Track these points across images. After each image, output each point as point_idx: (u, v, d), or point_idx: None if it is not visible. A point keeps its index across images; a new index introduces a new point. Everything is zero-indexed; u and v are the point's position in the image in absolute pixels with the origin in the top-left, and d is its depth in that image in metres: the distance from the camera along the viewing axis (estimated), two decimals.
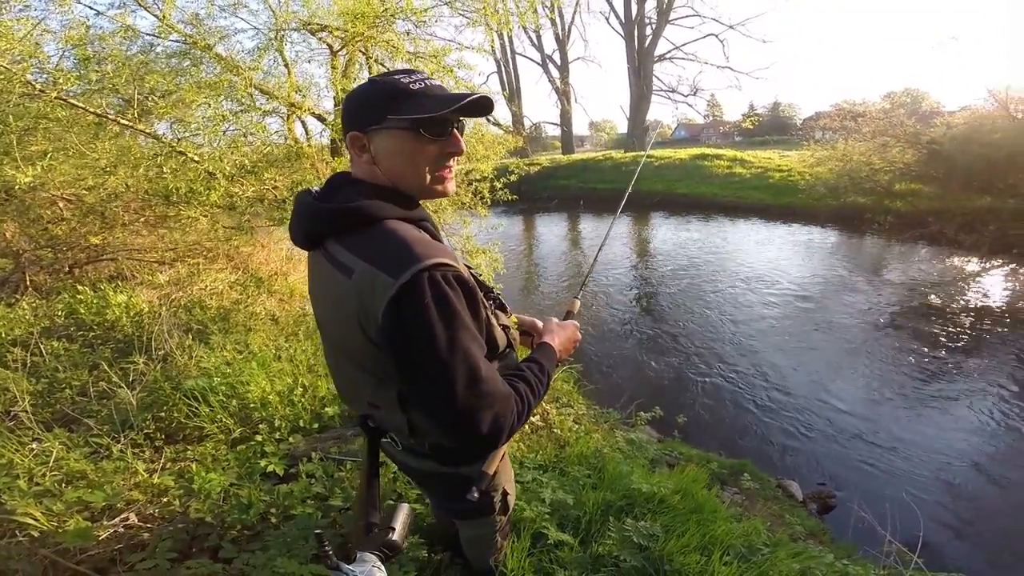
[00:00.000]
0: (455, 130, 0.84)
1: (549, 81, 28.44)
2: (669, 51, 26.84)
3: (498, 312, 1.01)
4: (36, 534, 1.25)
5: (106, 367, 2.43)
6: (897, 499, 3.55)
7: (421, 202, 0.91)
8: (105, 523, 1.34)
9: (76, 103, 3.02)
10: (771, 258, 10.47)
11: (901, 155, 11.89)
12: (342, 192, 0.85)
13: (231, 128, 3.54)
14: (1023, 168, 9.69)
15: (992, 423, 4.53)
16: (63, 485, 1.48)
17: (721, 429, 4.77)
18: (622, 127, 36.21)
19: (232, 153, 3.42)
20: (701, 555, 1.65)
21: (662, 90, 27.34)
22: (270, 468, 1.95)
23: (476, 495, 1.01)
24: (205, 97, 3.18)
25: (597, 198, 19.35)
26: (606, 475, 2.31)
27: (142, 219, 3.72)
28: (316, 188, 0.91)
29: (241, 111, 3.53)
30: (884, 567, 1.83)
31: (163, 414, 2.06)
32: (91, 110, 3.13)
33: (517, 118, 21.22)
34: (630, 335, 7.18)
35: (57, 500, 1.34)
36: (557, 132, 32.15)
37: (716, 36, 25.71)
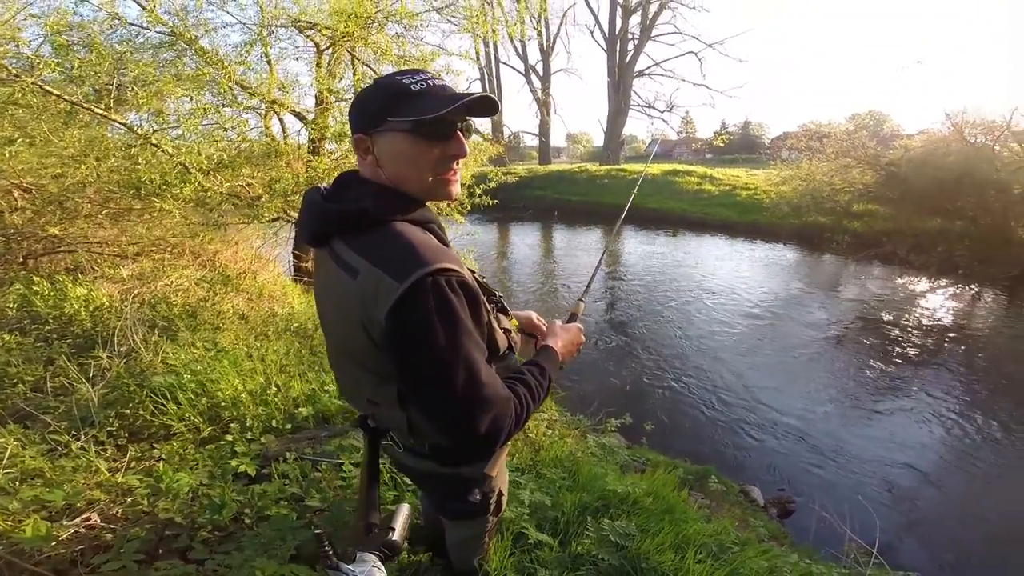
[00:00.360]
0: (460, 132, 0.84)
1: (531, 91, 28.74)
2: (649, 67, 27.44)
3: (499, 315, 1.02)
4: None
5: (64, 362, 2.29)
6: (852, 503, 3.71)
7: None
8: (65, 523, 1.26)
9: (51, 90, 2.87)
10: (734, 274, 10.86)
11: (861, 176, 12.53)
12: (350, 191, 0.85)
13: (209, 122, 3.44)
14: (971, 191, 10.29)
15: (932, 432, 4.85)
16: (18, 483, 1.39)
17: (685, 436, 4.90)
18: (598, 140, 36.99)
19: (209, 147, 3.32)
20: (675, 553, 1.69)
21: (639, 105, 27.90)
22: (241, 468, 1.89)
23: (478, 497, 1.03)
24: (185, 90, 3.08)
25: (571, 210, 19.68)
26: (580, 477, 2.34)
27: (105, 211, 3.53)
28: (325, 186, 0.91)
29: (222, 105, 3.44)
30: (845, 566, 1.93)
31: (127, 411, 1.96)
32: (66, 97, 2.98)
33: (497, 126, 21.41)
34: (598, 344, 7.30)
35: (12, 499, 1.26)
36: (535, 142, 32.46)
37: (695, 54, 26.27)
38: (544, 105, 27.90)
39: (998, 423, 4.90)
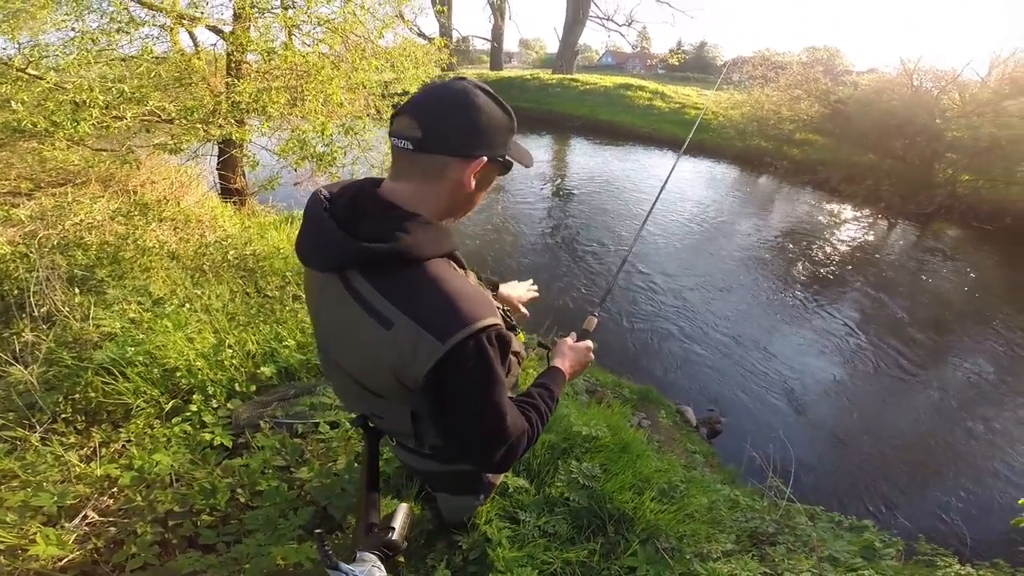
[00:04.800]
0: None
1: None
2: None
3: (510, 335, 1.02)
4: (3, 547, 1.15)
5: None
6: (769, 423, 4.26)
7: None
8: (67, 526, 1.25)
9: None
10: (676, 188, 11.17)
11: (808, 108, 13.01)
12: (378, 220, 0.74)
13: (100, 47, 2.75)
14: (908, 135, 10.99)
15: (835, 350, 5.55)
16: None
17: (625, 352, 5.28)
18: (551, 47, 34.59)
19: (105, 78, 2.70)
20: (634, 493, 1.94)
21: (598, 17, 26.45)
22: (216, 441, 1.87)
23: (480, 489, 1.14)
24: (65, 16, 2.41)
25: (521, 117, 18.74)
26: None
27: None
28: (327, 193, 0.79)
29: (116, 30, 2.75)
30: (766, 498, 2.31)
31: (77, 394, 1.81)
32: None
33: (445, 29, 19.22)
34: (545, 258, 7.50)
35: (3, 510, 1.22)
36: (486, 46, 29.94)
37: None
38: (498, 10, 25.37)
39: (893, 348, 5.68)
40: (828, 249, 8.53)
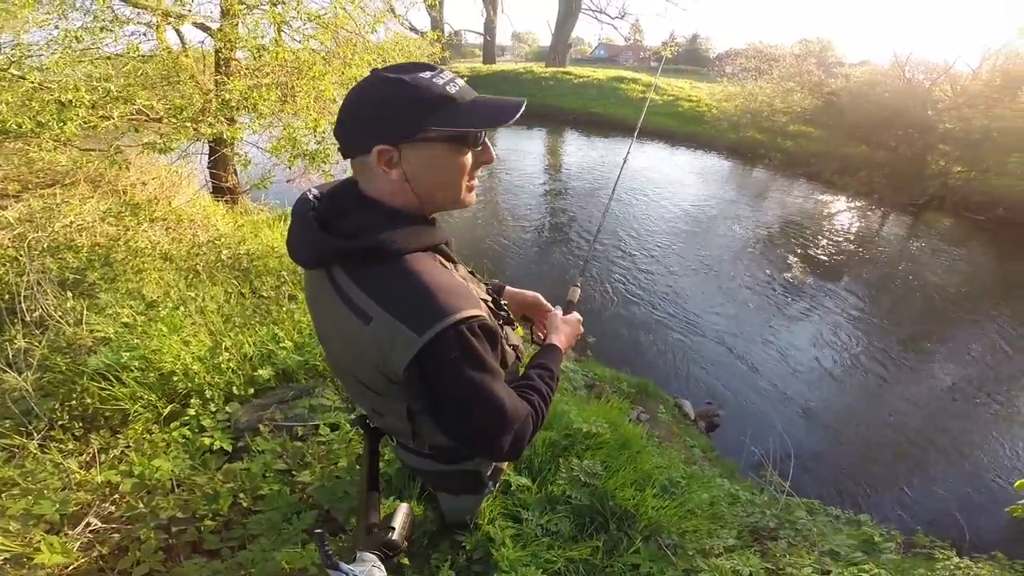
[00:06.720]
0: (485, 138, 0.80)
1: None
2: None
3: (507, 329, 0.99)
4: (7, 555, 1.14)
5: None
6: (767, 415, 4.27)
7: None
8: (70, 533, 1.25)
9: None
10: (671, 180, 11.25)
11: (801, 100, 13.13)
12: (353, 217, 0.75)
13: (85, 46, 2.70)
14: (899, 127, 11.12)
15: (830, 341, 5.56)
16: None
17: (622, 344, 5.27)
18: (544, 40, 34.59)
19: (91, 77, 2.66)
20: (635, 490, 1.95)
21: (591, 9, 26.60)
22: (216, 445, 1.85)
23: (483, 486, 1.12)
24: (49, 12, 2.36)
25: None
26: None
27: None
28: (314, 194, 0.79)
29: (101, 28, 2.70)
30: (765, 492, 2.32)
31: (73, 401, 1.79)
32: None
33: (437, 23, 19.08)
34: (537, 252, 7.50)
35: (6, 518, 1.21)
36: (478, 40, 29.90)
37: None
38: (491, 3, 25.25)
39: (888, 339, 5.70)
40: (822, 240, 8.58)
